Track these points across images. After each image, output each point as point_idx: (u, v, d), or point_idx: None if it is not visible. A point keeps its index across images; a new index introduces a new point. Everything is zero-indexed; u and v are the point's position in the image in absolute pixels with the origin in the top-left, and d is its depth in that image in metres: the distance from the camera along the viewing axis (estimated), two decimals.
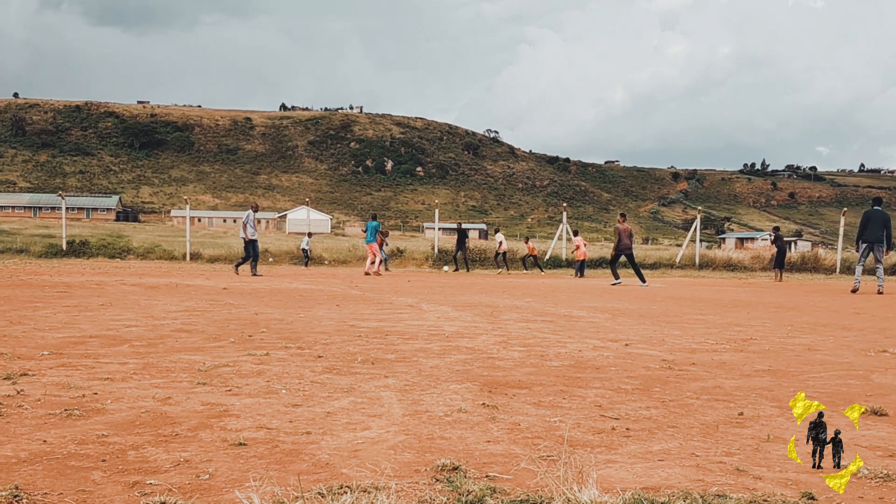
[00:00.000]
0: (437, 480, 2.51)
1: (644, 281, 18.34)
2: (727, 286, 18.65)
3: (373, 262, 22.49)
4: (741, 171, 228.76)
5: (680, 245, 32.25)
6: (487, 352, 5.85)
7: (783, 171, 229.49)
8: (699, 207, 42.39)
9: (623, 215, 19.69)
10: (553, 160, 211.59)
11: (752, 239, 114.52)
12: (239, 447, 2.93)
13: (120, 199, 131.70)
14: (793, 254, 30.70)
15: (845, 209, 34.22)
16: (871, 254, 16.26)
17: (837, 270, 27.87)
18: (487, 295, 13.12)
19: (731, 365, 5.42)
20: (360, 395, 3.99)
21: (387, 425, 3.33)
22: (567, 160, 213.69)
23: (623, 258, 19.52)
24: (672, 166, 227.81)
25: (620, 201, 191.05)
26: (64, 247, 29.79)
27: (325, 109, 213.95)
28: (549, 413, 3.67)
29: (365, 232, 24.47)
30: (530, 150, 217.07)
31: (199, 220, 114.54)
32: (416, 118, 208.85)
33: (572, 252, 27.89)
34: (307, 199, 37.92)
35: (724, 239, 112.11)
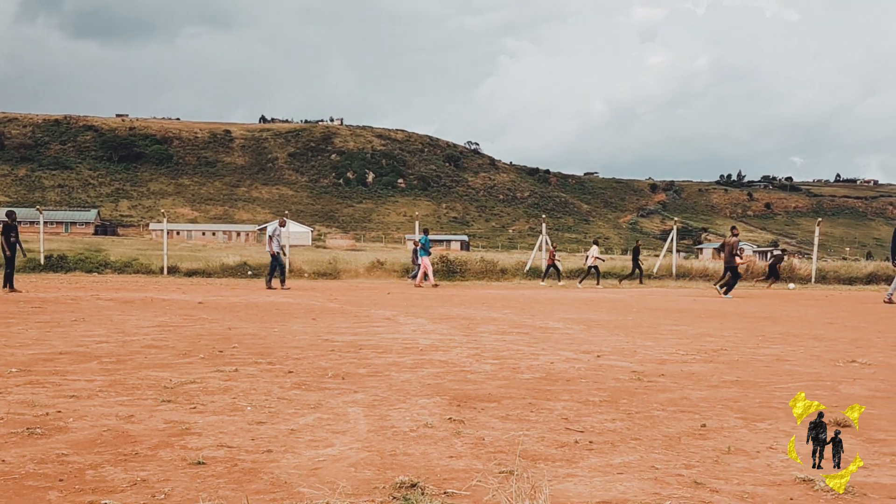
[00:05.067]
0: (394, 498, 2.51)
1: (726, 294, 18.59)
2: (703, 296, 18.75)
3: (425, 276, 23.12)
4: (718, 182, 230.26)
5: (658, 255, 32.40)
6: (460, 365, 5.85)
7: (759, 181, 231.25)
8: (676, 218, 42.68)
9: (733, 228, 19.95)
10: (533, 172, 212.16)
11: None
12: (198, 466, 2.92)
13: (98, 212, 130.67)
14: (768, 264, 30.92)
15: (820, 219, 34.53)
16: None
17: (812, 280, 28.08)
18: (466, 307, 13.12)
19: (699, 376, 5.45)
20: (326, 412, 3.99)
21: (350, 442, 3.33)
22: (547, 172, 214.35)
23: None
24: (650, 177, 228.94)
25: (600, 212, 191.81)
26: (42, 261, 29.51)
27: (306, 121, 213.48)
28: (516, 427, 3.68)
29: (417, 247, 25.42)
30: (511, 162, 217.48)
31: (178, 234, 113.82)
32: (398, 130, 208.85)
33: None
34: (286, 212, 37.69)
35: (701, 249, 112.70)
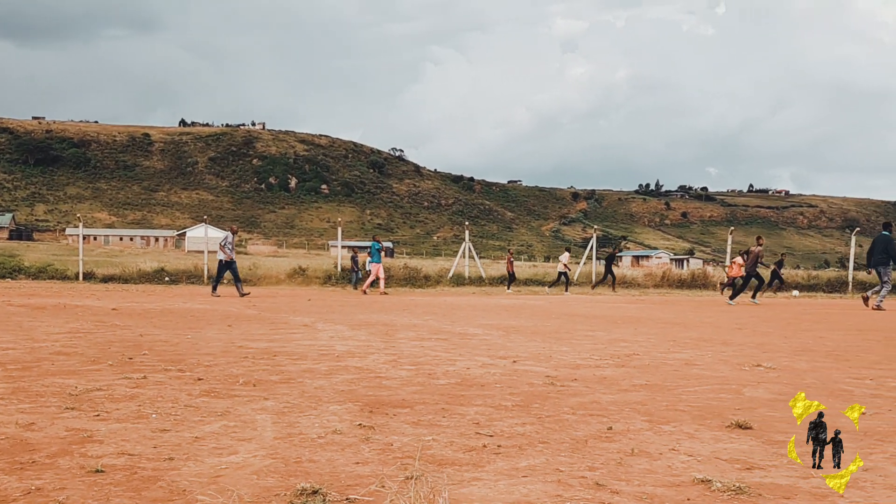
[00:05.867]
0: None
1: (738, 299, 19.06)
2: (620, 303, 19.12)
3: (373, 282, 23.27)
4: (637, 192, 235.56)
5: (579, 263, 32.92)
6: (376, 371, 5.83)
7: (676, 191, 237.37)
8: (595, 226, 43.44)
9: (759, 238, 20.26)
10: (458, 179, 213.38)
11: (647, 257, 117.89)
12: (96, 474, 2.84)
13: (13, 217, 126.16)
14: (683, 272, 31.74)
15: (732, 228, 35.62)
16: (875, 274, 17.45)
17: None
18: (387, 314, 13.09)
19: (611, 380, 5.56)
20: (233, 419, 3.93)
21: (255, 449, 3.29)
22: (472, 179, 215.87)
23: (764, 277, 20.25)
24: (572, 186, 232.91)
25: (523, 220, 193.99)
26: None
27: (227, 125, 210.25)
28: (426, 432, 3.69)
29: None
30: (435, 169, 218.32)
31: (95, 239, 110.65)
32: (321, 135, 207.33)
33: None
34: (206, 217, 37.07)
35: (620, 257, 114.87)
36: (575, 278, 30.52)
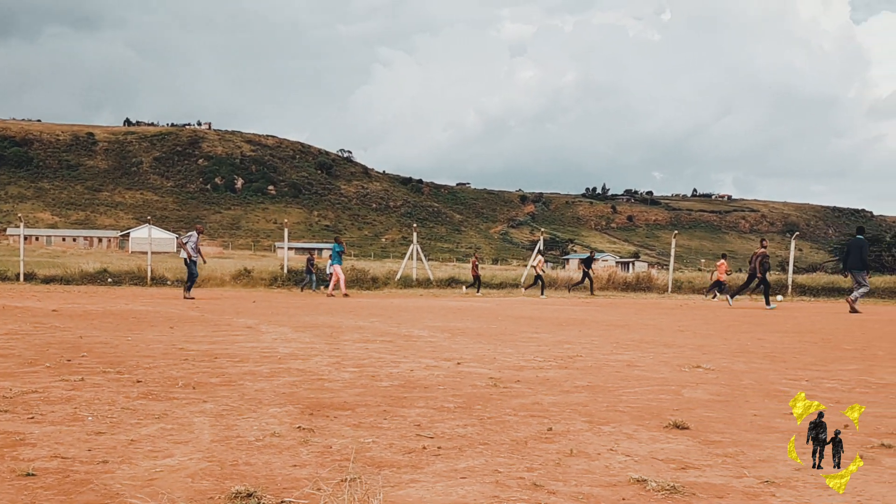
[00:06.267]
0: None
1: (768, 305, 19.13)
2: (567, 305, 19.29)
3: (336, 285, 23.23)
4: (584, 195, 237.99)
5: (527, 265, 33.13)
6: (318, 373, 5.80)
7: (622, 195, 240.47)
8: (542, 229, 43.78)
9: (763, 240, 20.49)
10: (406, 181, 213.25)
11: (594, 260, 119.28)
12: (27, 478, 2.78)
13: None
14: (629, 274, 32.16)
15: (676, 232, 36.20)
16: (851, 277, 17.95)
17: (669, 290, 29.36)
18: (333, 316, 13.02)
19: (553, 381, 5.60)
20: (171, 422, 3.87)
21: (191, 452, 3.24)
22: (420, 181, 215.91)
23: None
24: (520, 189, 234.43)
25: (472, 223, 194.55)
26: None
27: (173, 125, 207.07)
28: (367, 434, 3.67)
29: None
30: (384, 171, 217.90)
31: (37, 239, 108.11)
32: (268, 136, 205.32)
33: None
34: (149, 217, 36.41)
35: (567, 260, 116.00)
36: (523, 281, 30.71)
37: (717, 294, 25.30)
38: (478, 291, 26.84)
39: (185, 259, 19.79)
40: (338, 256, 23.74)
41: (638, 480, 2.93)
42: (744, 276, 31.32)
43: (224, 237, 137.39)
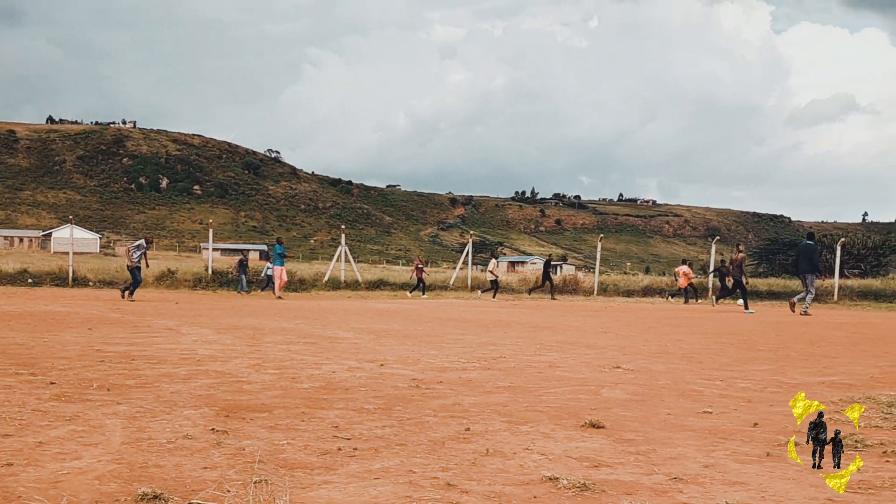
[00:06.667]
0: None
1: (721, 302, 19.23)
2: (494, 307, 19.41)
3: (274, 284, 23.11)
4: (513, 199, 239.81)
5: (455, 268, 33.24)
6: (237, 375, 5.71)
7: (551, 199, 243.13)
8: (472, 232, 44.01)
9: (739, 245, 20.69)
10: (336, 182, 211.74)
11: (523, 263, 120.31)
12: None
13: None
14: (556, 277, 32.54)
15: (602, 235, 36.79)
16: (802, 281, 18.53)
17: (595, 292, 29.79)
18: (257, 318, 12.84)
19: (475, 382, 5.62)
20: (82, 424, 3.76)
21: (101, 454, 3.16)
22: (350, 183, 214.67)
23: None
24: (450, 192, 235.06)
25: (402, 225, 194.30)
26: None
27: (97, 123, 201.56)
28: (282, 436, 3.63)
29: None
30: (313, 172, 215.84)
31: None
32: (194, 135, 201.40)
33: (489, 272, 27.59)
34: (71, 217, 35.36)
35: (497, 262, 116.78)
36: (451, 283, 30.79)
37: (695, 299, 25.64)
38: (423, 294, 26.81)
39: (128, 265, 19.52)
40: (280, 258, 23.55)
41: (550, 479, 2.96)
42: (666, 280, 32.04)
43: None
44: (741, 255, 20.66)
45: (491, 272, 26.73)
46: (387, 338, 9.36)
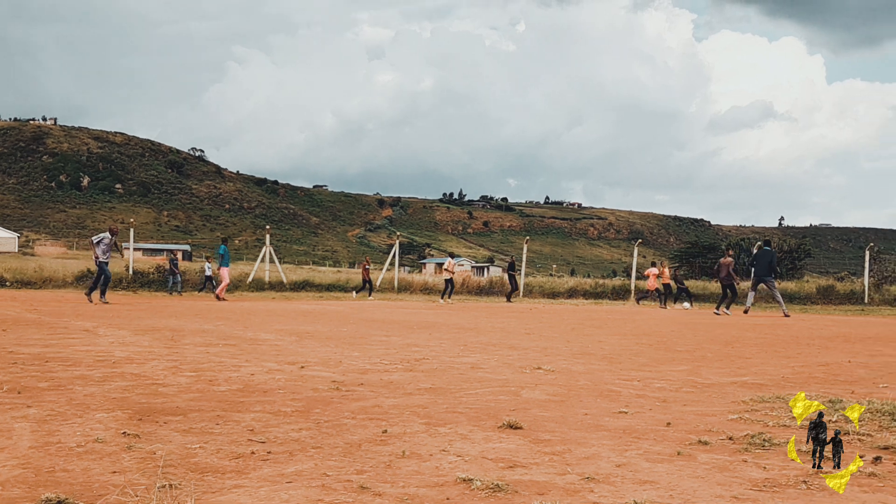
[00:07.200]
0: None
1: (722, 309, 19.31)
2: (421, 309, 19.42)
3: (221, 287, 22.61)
4: (441, 200, 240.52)
5: (381, 269, 33.14)
6: (153, 378, 5.58)
7: (478, 201, 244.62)
8: (399, 233, 43.97)
9: (726, 247, 20.54)
10: (261, 182, 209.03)
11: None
12: None
13: None
14: (483, 279, 32.74)
15: (528, 238, 37.14)
16: (761, 285, 19.16)
17: (521, 294, 30.06)
18: (177, 319, 12.58)
19: (397, 384, 5.61)
20: None
21: (6, 459, 3.05)
22: (276, 183, 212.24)
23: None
24: (378, 193, 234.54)
25: (329, 226, 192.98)
26: None
27: (15, 120, 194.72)
28: (195, 440, 3.56)
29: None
30: (238, 171, 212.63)
31: None
32: (117, 133, 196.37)
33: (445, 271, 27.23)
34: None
35: (424, 264, 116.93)
36: (377, 284, 30.68)
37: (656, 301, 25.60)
38: (369, 295, 26.63)
39: (96, 260, 18.81)
40: (224, 258, 23.18)
41: (464, 480, 2.97)
42: (589, 282, 32.52)
43: (68, 237, 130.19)
44: (730, 259, 20.87)
45: (447, 270, 26.63)
46: (309, 339, 9.27)
